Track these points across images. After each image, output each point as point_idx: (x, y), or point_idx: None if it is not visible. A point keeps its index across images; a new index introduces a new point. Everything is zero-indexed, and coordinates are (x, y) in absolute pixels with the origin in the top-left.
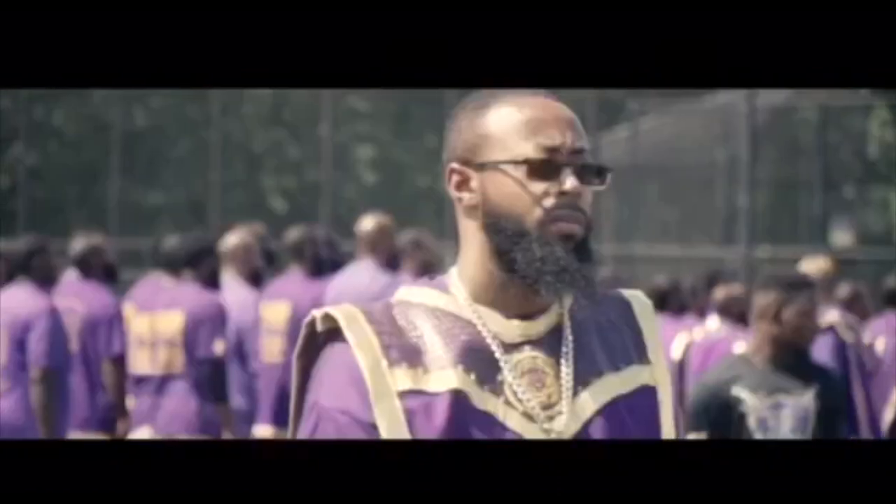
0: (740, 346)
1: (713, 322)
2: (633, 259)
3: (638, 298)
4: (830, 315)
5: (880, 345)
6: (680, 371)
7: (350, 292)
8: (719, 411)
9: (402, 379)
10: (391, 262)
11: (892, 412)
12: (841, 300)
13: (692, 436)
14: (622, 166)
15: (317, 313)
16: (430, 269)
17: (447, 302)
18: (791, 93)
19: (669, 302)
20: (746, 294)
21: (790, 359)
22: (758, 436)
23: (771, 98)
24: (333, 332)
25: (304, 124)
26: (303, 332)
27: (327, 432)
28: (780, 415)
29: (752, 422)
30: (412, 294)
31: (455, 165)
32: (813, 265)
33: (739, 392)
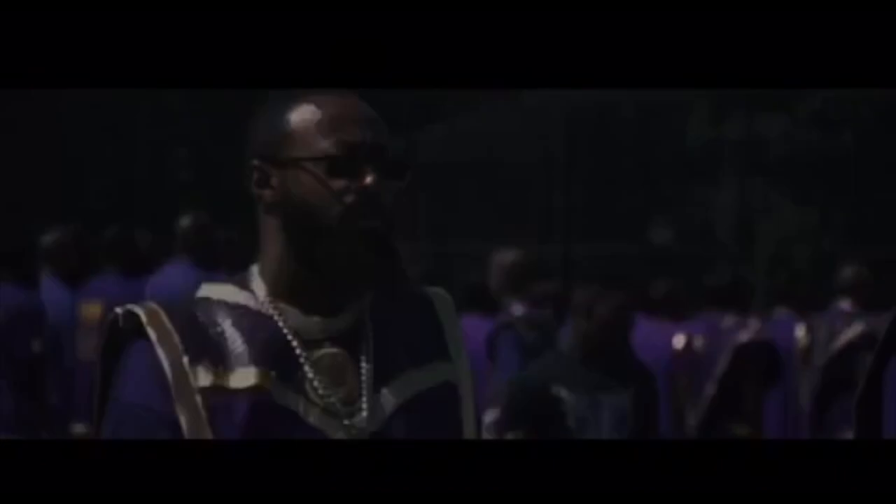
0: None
1: None
2: (449, 256)
3: (439, 295)
4: (515, 308)
5: (698, 343)
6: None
7: (167, 291)
8: (539, 410)
9: (203, 376)
10: (208, 261)
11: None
12: (658, 299)
13: (510, 435)
14: (438, 164)
15: (119, 311)
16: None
17: (247, 298)
18: (609, 90)
19: (484, 300)
20: (563, 291)
21: (606, 356)
22: (578, 435)
23: (589, 95)
24: (136, 330)
25: (122, 122)
26: (105, 329)
27: (129, 430)
28: (599, 413)
29: (570, 421)
30: (213, 291)
31: (256, 162)
32: (506, 258)
33: (558, 391)
